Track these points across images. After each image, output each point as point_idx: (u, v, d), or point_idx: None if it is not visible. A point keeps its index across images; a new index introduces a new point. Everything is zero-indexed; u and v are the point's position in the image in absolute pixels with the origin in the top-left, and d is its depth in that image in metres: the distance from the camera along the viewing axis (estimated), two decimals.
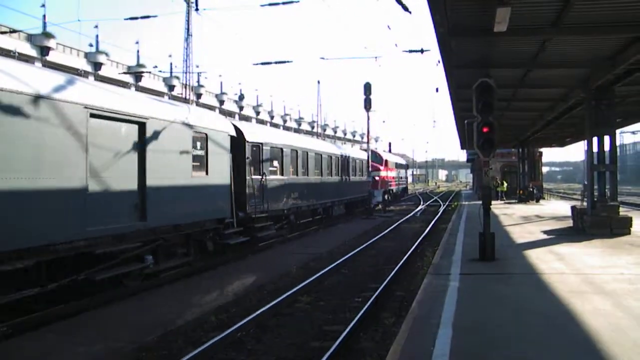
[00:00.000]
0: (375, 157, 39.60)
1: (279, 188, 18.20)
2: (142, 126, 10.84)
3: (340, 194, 27.04)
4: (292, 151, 19.88)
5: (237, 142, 15.39)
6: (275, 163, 18.33)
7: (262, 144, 17.00)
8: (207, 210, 13.46)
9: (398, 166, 49.63)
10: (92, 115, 9.45)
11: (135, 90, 52.81)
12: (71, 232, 9.01)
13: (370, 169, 34.32)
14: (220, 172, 14.01)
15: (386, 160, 42.02)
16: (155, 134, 11.21)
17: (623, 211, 17.02)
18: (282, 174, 18.72)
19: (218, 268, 13.59)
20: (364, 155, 33.66)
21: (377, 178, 37.84)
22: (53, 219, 8.67)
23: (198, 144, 13.06)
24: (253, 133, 16.91)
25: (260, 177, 16.62)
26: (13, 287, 8.28)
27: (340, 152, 27.96)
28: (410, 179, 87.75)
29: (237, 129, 15.69)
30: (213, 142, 13.67)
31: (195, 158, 12.85)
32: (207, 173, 13.32)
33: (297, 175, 20.31)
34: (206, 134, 13.39)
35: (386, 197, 39.00)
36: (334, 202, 26.10)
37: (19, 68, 8.95)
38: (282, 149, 18.85)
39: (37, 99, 8.37)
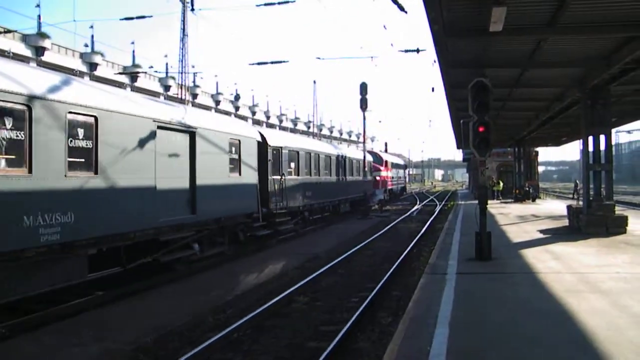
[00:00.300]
0: (376, 158, 42.17)
1: (295, 187, 20.25)
2: (192, 135, 12.92)
3: (346, 192, 28.78)
4: (306, 154, 21.97)
5: (261, 146, 17.28)
6: (292, 165, 20.37)
7: (281, 147, 19.03)
8: (240, 206, 15.53)
9: (397, 166, 52.49)
10: (159, 127, 11.66)
11: (131, 90, 52.74)
12: (146, 222, 11.15)
13: (372, 169, 36.40)
14: (250, 173, 16.05)
15: (386, 161, 44.67)
16: (202, 141, 13.27)
17: (619, 210, 17.08)
18: (297, 175, 20.79)
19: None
20: (367, 157, 35.48)
21: (378, 178, 39.85)
22: (138, 211, 10.82)
23: (233, 149, 15.10)
24: (274, 138, 18.91)
25: (279, 177, 18.48)
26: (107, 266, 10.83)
27: (345, 154, 29.58)
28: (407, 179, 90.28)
29: (261, 134, 17.70)
30: (245, 147, 15.69)
31: (231, 161, 14.92)
32: (240, 174, 15.38)
33: (310, 175, 22.42)
34: (239, 140, 15.39)
35: (384, 195, 41.14)
36: (340, 200, 27.86)
37: (138, 97, 13.08)
38: (297, 152, 20.91)
39: (132, 116, 10.83)
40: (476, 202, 12.29)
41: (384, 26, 39.15)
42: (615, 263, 10.68)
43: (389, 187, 45.26)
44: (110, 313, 9.45)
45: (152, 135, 11.36)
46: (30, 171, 8.32)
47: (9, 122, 8.05)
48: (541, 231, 16.99)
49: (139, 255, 11.29)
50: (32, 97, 8.38)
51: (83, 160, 9.51)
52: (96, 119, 9.74)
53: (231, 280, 12.55)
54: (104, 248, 10.08)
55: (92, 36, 52.65)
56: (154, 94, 56.60)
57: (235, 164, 15.18)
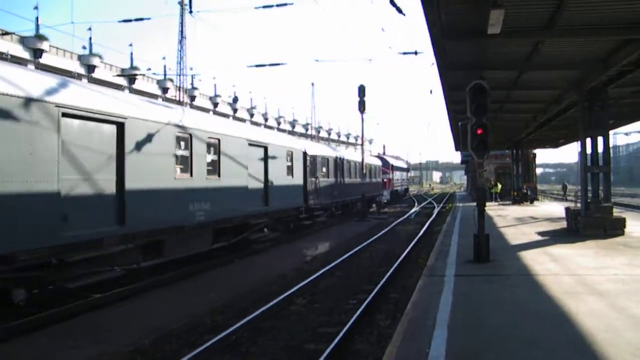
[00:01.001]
0: (385, 162, 47.69)
1: (326, 187, 25.49)
2: (265, 149, 17.89)
3: (364, 191, 33.36)
4: (334, 160, 27.19)
5: (303, 155, 22.33)
6: (324, 169, 25.50)
7: (316, 156, 24.23)
8: (293, 201, 20.56)
9: (401, 170, 59.41)
10: (249, 144, 16.56)
11: (129, 92, 52.72)
12: (242, 211, 15.74)
13: (381, 172, 42.36)
14: (298, 176, 21.26)
15: (392, 165, 51.38)
16: (271, 152, 18.16)
17: (616, 212, 17.08)
18: (327, 177, 25.95)
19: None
20: (377, 162, 42.40)
21: (385, 180, 45.47)
22: (238, 202, 15.55)
23: (288, 157, 20.11)
24: (311, 148, 24.21)
25: (315, 179, 23.46)
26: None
27: (351, 158, 33.95)
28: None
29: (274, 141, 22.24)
30: (295, 156, 20.88)
31: (287, 167, 19.83)
32: (292, 176, 20.42)
33: (336, 178, 27.33)
34: (292, 151, 20.66)
35: (391, 195, 47.86)
36: (358, 199, 32.50)
37: (239, 124, 20.21)
38: (327, 159, 26.20)
39: (236, 138, 15.69)
40: (474, 204, 12.29)
41: (382, 29, 39.30)
42: (613, 265, 10.68)
43: (395, 188, 52.06)
44: (107, 315, 9.43)
45: (245, 150, 16.21)
46: (191, 175, 13.22)
47: (183, 145, 13.03)
48: (539, 233, 17.00)
49: (237, 234, 15.96)
50: (192, 130, 13.40)
51: (212, 168, 14.34)
52: (219, 140, 14.63)
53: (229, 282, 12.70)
54: (220, 227, 14.65)
55: (90, 38, 52.47)
56: (152, 96, 56.65)
57: (289, 170, 20.15)
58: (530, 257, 11.98)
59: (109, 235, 10.24)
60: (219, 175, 14.50)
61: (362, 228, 25.04)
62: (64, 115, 9.22)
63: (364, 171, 34.42)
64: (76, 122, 9.60)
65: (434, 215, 31.68)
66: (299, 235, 21.30)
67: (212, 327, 8.60)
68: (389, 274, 12.55)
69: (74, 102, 9.52)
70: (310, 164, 22.89)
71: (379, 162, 42.68)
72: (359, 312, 9.09)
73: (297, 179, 21.03)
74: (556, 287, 8.74)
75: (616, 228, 15.41)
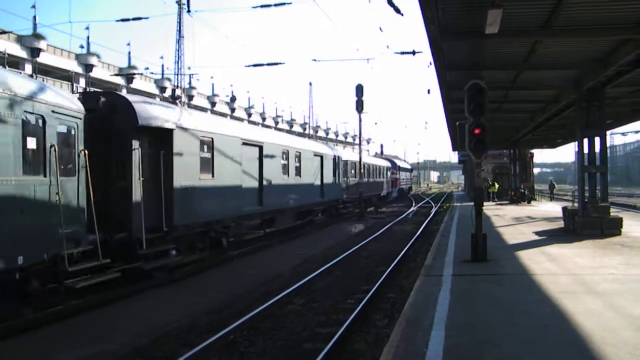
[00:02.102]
0: (393, 164, 54.80)
1: (354, 185, 32.85)
2: (321, 157, 24.23)
3: (380, 189, 43.19)
4: (358, 163, 34.47)
5: (338, 159, 28.76)
6: (353, 171, 33.18)
7: (347, 160, 32.18)
8: (335, 195, 27.81)
9: (405, 170, 66.96)
10: (314, 155, 24.09)
11: (127, 92, 52.63)
12: (310, 200, 22.56)
13: (391, 173, 50.76)
14: (337, 176, 27.97)
15: (399, 167, 59.16)
16: (304, 158, 22.33)
17: (613, 212, 17.13)
18: (355, 177, 33.45)
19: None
20: (388, 164, 50.15)
21: (393, 179, 52.69)
22: (310, 194, 22.66)
23: (332, 162, 27.12)
24: (344, 154, 32.27)
25: (345, 179, 30.71)
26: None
27: (381, 164, 45.41)
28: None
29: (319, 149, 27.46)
30: (336, 162, 27.99)
31: (333, 170, 26.99)
32: (335, 177, 27.37)
33: (361, 177, 34.56)
34: (336, 157, 28.04)
35: (398, 192, 55.86)
36: (377, 194, 42.05)
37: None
38: (355, 163, 33.95)
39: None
40: (472, 203, 12.31)
41: (380, 28, 39.29)
42: (610, 264, 10.71)
43: (401, 187, 59.72)
44: (106, 315, 9.42)
45: (312, 159, 23.32)
46: (287, 176, 19.68)
47: (284, 157, 19.59)
48: (537, 233, 17.04)
49: (306, 217, 23.46)
50: (289, 147, 20.51)
51: (297, 171, 21.05)
52: (300, 153, 20.94)
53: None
54: (299, 211, 22.20)
55: (88, 37, 52.47)
56: (149, 95, 56.57)
57: (334, 172, 27.25)
58: (528, 257, 12.01)
59: (256, 212, 17.49)
60: (301, 176, 21.79)
61: (360, 227, 25.06)
62: (243, 144, 16.37)
63: (379, 172, 43.43)
64: (246, 147, 16.62)
65: (431, 215, 31.71)
66: (297, 234, 21.43)
67: (211, 327, 8.60)
68: (386, 273, 12.55)
69: (246, 136, 16.95)
70: (344, 167, 30.36)
71: (389, 164, 51.00)
72: (356, 311, 9.09)
73: (337, 178, 28.18)
74: (553, 286, 8.76)
75: (613, 228, 15.45)
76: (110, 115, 11.11)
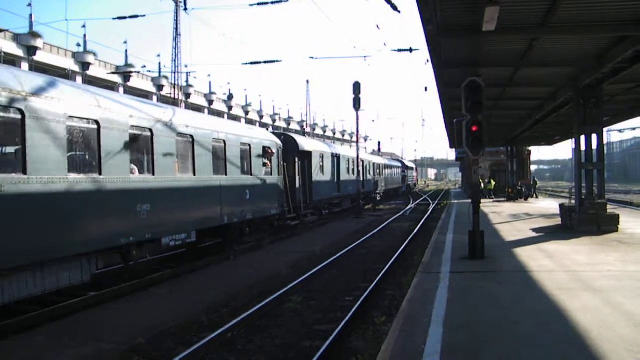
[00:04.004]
0: (402, 164, 66.22)
1: (378, 181, 42.91)
2: (337, 157, 29.77)
3: (396, 183, 56.38)
4: (382, 165, 46.79)
5: (370, 164, 40.23)
6: (378, 170, 43.36)
7: (374, 162, 42.38)
8: (369, 188, 38.49)
9: (410, 168, 76.02)
10: (335, 156, 29.83)
11: (124, 91, 52.54)
12: (334, 194, 28.81)
13: (401, 171, 61.94)
14: (372, 175, 40.48)
15: (406, 166, 70.14)
16: (343, 160, 30.82)
17: (610, 209, 17.17)
18: (379, 175, 43.85)
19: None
20: (398, 164, 62.00)
21: (403, 177, 62.76)
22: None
23: (366, 164, 38.10)
24: (373, 159, 43.53)
25: (374, 176, 40.95)
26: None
27: (395, 164, 58.39)
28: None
29: (366, 157, 39.85)
30: (364, 163, 37.13)
31: (365, 170, 37.51)
32: (362, 176, 34.20)
33: (385, 175, 47.34)
34: (363, 160, 36.20)
35: (405, 188, 65.71)
36: (395, 187, 55.18)
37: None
38: (380, 165, 45.22)
39: (333, 154, 29.58)
40: (469, 201, 12.32)
41: (377, 26, 39.18)
42: (607, 261, 10.74)
43: (408, 183, 68.76)
44: (103, 314, 9.41)
45: (336, 161, 29.30)
46: (338, 175, 29.92)
47: (336, 162, 29.71)
48: (534, 230, 17.07)
49: (354, 201, 32.35)
50: (338, 154, 31.20)
51: (337, 172, 29.49)
52: (339, 157, 30.06)
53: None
54: (335, 201, 30.17)
55: (85, 35, 52.35)
56: (146, 93, 56.44)
57: (371, 171, 39.29)
58: (525, 254, 12.03)
59: (336, 196, 29.26)
60: (358, 174, 32.74)
61: (358, 225, 25.06)
62: (333, 156, 28.62)
63: (394, 171, 55.43)
64: (334, 158, 28.91)
65: (429, 212, 31.72)
66: (294, 233, 21.46)
67: (209, 325, 8.60)
68: (384, 271, 12.56)
69: (322, 149, 27.14)
70: (372, 168, 41.01)
71: (400, 165, 63.09)
72: (354, 309, 9.10)
73: (373, 177, 40.53)
74: (551, 283, 8.78)
75: (610, 225, 15.50)
76: (286, 145, 21.36)
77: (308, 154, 23.80)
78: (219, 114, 69.08)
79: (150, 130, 11.48)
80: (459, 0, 9.80)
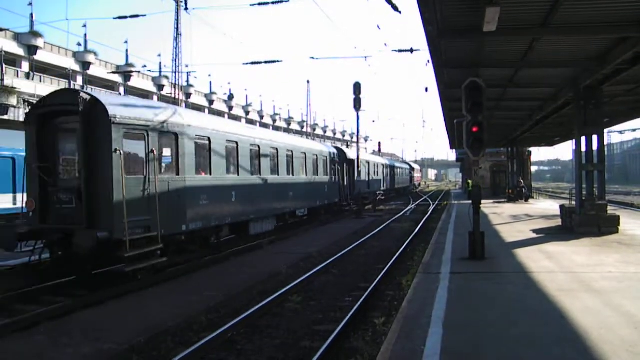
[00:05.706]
0: (410, 166, 76.51)
1: (394, 180, 55.65)
2: (368, 162, 40.93)
3: (406, 183, 66.06)
4: (397, 167, 59.38)
5: (389, 167, 53.98)
6: (393, 172, 55.48)
7: (391, 165, 55.63)
8: (379, 187, 45.96)
9: (416, 170, 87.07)
10: (365, 162, 40.61)
11: (124, 90, 52.56)
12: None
13: (409, 172, 72.97)
14: (390, 176, 54.30)
15: (413, 168, 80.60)
16: (371, 165, 42.44)
17: (611, 210, 17.16)
18: (394, 175, 56.10)
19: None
20: (407, 165, 73.49)
21: (410, 177, 72.50)
22: (381, 184, 47.17)
23: (378, 166, 47.19)
24: (390, 162, 57.24)
25: (390, 177, 53.23)
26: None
27: (404, 166, 69.47)
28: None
29: (385, 162, 52.59)
30: (387, 167, 52.80)
31: (378, 172, 46.64)
32: (377, 175, 46.01)
33: (397, 175, 58.42)
34: (384, 165, 50.49)
35: (403, 188, 71.40)
36: (405, 186, 65.12)
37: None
38: (398, 167, 60.72)
39: (369, 161, 42.63)
40: (469, 202, 12.31)
41: (378, 26, 39.21)
42: (607, 262, 10.73)
43: (414, 182, 78.51)
44: (102, 314, 9.39)
45: (367, 164, 40.37)
46: (376, 174, 45.44)
47: (373, 166, 44.54)
48: (534, 231, 17.05)
49: (364, 199, 36.72)
50: (371, 160, 44.65)
51: (375, 173, 45.24)
52: (372, 163, 43.73)
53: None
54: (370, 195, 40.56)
55: (85, 35, 52.49)
56: (147, 92, 56.45)
57: (378, 173, 45.65)
58: (526, 255, 12.02)
59: (367, 192, 37.81)
60: (369, 176, 39.66)
61: (358, 225, 25.02)
62: (366, 162, 40.10)
63: (403, 172, 64.68)
64: (368, 164, 40.92)
65: (429, 213, 31.70)
66: (293, 233, 21.48)
67: (208, 325, 8.60)
68: (384, 271, 12.55)
69: (361, 157, 35.93)
70: (390, 171, 52.25)
71: (408, 167, 74.11)
72: (354, 309, 9.09)
73: (390, 177, 51.35)
74: (551, 284, 8.77)
75: (610, 226, 15.48)
76: (339, 155, 29.67)
77: (352, 161, 33.04)
78: (220, 113, 69.09)
79: (258, 146, 18.01)
80: (460, 1, 9.79)
